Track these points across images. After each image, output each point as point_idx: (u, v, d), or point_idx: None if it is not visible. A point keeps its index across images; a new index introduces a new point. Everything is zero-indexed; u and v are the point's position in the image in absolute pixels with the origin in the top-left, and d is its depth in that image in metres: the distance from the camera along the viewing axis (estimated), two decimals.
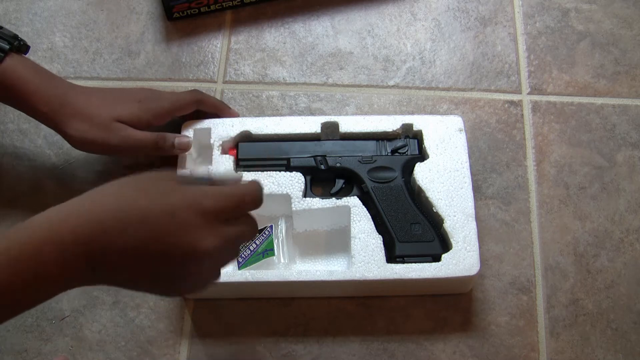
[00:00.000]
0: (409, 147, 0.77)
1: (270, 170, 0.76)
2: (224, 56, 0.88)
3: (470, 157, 0.77)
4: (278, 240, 0.74)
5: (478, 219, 0.74)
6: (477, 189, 0.79)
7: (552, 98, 0.86)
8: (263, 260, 0.72)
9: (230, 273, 0.72)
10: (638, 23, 0.90)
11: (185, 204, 0.52)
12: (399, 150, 0.77)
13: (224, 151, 0.78)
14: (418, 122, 0.78)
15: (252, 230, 0.57)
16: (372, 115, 0.78)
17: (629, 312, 0.75)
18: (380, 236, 0.72)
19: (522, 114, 0.85)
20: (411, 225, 0.73)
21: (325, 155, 0.77)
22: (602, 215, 0.79)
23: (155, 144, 0.74)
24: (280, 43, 0.89)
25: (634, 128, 0.84)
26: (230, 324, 0.74)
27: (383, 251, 0.72)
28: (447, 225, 0.72)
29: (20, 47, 0.73)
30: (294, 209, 0.74)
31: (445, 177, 0.75)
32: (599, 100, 0.86)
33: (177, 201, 0.52)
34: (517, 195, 0.80)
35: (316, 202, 0.74)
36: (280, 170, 0.76)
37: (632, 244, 0.78)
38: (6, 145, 0.82)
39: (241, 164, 0.77)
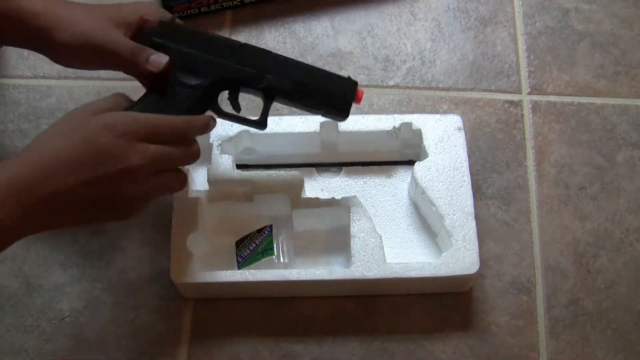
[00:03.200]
0: None
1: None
2: None
3: (470, 157, 0.77)
4: (278, 240, 0.74)
5: (478, 219, 0.74)
6: (477, 189, 0.79)
7: (552, 98, 0.86)
8: (262, 259, 0.72)
9: (230, 273, 0.72)
10: (638, 23, 0.90)
11: (99, 129, 0.57)
12: None
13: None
14: (417, 121, 0.78)
15: (182, 152, 0.62)
16: (371, 115, 0.78)
17: (629, 312, 0.75)
18: (380, 235, 0.72)
19: (522, 114, 0.85)
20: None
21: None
22: (602, 215, 0.79)
23: (132, 54, 0.66)
24: (280, 43, 0.89)
25: (634, 128, 0.84)
26: (230, 324, 0.74)
27: (383, 250, 0.71)
28: (447, 223, 0.72)
29: None
30: (293, 208, 0.74)
31: (444, 176, 0.75)
32: (599, 100, 0.85)
33: (93, 127, 0.58)
34: (517, 195, 0.80)
35: (316, 202, 0.74)
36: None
37: (632, 244, 0.78)
38: (6, 145, 0.82)
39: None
